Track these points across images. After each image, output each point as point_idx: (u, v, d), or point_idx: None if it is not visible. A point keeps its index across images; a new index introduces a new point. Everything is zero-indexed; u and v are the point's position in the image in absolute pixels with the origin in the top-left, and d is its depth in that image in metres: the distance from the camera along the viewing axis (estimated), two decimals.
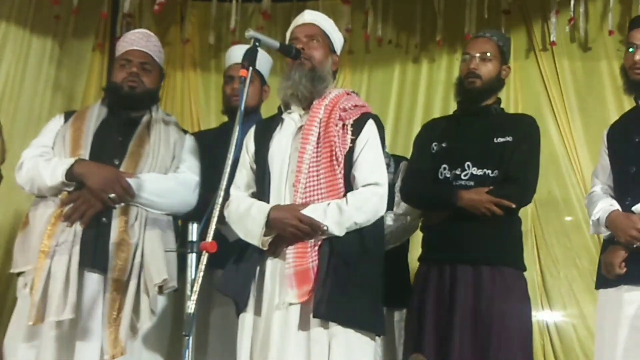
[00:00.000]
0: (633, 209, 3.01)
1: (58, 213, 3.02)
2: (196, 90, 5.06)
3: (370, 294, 2.72)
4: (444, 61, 4.80)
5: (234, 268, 2.78)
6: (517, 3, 4.62)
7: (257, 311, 2.73)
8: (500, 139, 3.22)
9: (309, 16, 2.98)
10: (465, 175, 3.21)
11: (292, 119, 2.87)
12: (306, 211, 2.65)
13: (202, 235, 2.44)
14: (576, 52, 4.56)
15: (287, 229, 2.66)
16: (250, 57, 2.61)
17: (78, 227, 3.00)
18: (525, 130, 3.28)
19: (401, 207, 3.53)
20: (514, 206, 3.18)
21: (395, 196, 3.54)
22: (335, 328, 2.62)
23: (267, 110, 3.67)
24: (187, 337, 2.37)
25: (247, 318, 2.76)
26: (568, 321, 4.33)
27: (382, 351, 3.50)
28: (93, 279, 3.00)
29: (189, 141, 3.36)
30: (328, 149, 2.73)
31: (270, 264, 2.74)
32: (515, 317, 3.12)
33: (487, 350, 3.04)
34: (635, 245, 2.98)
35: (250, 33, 2.67)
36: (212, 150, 3.44)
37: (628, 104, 4.17)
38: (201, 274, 2.34)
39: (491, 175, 3.18)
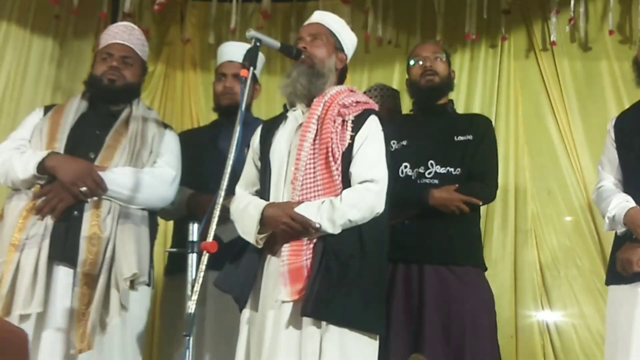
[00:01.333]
0: None
1: (30, 206, 3.01)
2: (196, 90, 5.05)
3: (367, 293, 2.69)
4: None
5: (234, 266, 2.79)
6: (517, 3, 4.62)
7: (255, 308, 2.74)
8: (461, 137, 3.32)
9: (316, 16, 2.99)
10: (429, 174, 3.27)
11: (295, 116, 2.88)
12: (300, 208, 2.64)
13: (203, 235, 2.45)
14: (576, 52, 4.56)
15: (280, 227, 2.66)
16: (251, 57, 2.62)
17: (49, 221, 2.99)
18: (485, 129, 3.40)
19: None
20: (481, 203, 3.31)
21: None
22: (327, 327, 2.61)
23: (269, 108, 3.69)
24: (187, 337, 2.37)
25: (245, 314, 2.77)
26: (568, 321, 4.32)
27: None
28: (63, 273, 2.98)
29: (169, 136, 3.32)
30: (324, 146, 2.72)
31: (268, 261, 2.75)
32: (484, 314, 3.20)
33: (459, 347, 3.09)
34: None
35: (251, 33, 2.67)
36: (201, 148, 3.45)
37: (628, 104, 4.17)
38: (202, 274, 2.34)
39: (454, 173, 3.27)
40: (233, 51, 3.55)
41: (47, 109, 3.29)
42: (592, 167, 4.33)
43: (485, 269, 3.36)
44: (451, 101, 3.50)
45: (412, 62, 3.46)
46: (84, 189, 3.00)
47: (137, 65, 3.31)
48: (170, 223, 4.76)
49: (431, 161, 3.29)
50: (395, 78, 4.81)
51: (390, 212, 3.30)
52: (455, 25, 4.65)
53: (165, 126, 3.38)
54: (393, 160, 3.24)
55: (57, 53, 4.67)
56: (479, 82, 4.68)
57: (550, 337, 4.34)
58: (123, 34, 3.30)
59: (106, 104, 3.25)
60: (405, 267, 3.23)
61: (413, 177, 3.29)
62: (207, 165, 3.42)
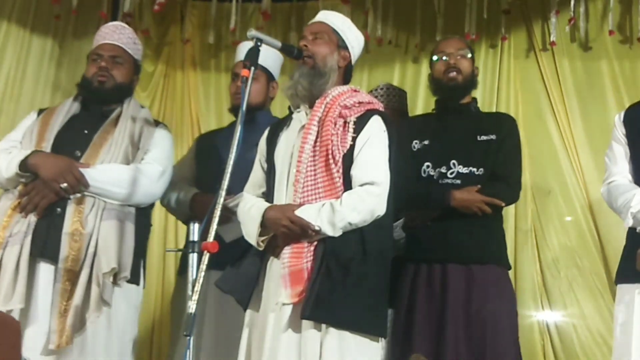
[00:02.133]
0: None
1: (15, 205, 3.04)
2: (196, 90, 5.05)
3: (369, 296, 2.67)
4: None
5: (236, 267, 2.79)
6: (517, 3, 4.62)
7: (257, 309, 2.74)
8: (484, 137, 3.25)
9: (320, 15, 2.97)
10: (451, 174, 3.22)
11: (299, 118, 2.86)
12: (300, 211, 2.64)
13: (204, 235, 2.45)
14: (576, 52, 4.56)
15: (279, 229, 2.66)
16: (252, 57, 2.61)
17: (32, 218, 3.01)
18: (508, 129, 3.32)
19: None
20: (504, 205, 3.23)
21: None
22: (327, 329, 2.60)
23: (274, 109, 3.69)
24: (187, 337, 2.36)
25: (247, 316, 2.78)
26: (568, 321, 4.32)
27: (385, 353, 3.44)
28: (45, 269, 3.00)
29: (159, 133, 3.31)
30: (324, 149, 2.71)
31: (270, 263, 2.74)
32: (505, 314, 3.15)
33: (482, 347, 3.05)
34: None
35: (252, 33, 2.67)
36: (216, 149, 3.45)
37: (629, 102, 4.18)
38: (202, 273, 2.34)
39: (477, 173, 3.21)
40: (244, 51, 3.52)
41: (40, 112, 3.32)
42: (593, 167, 4.33)
43: (510, 268, 3.31)
44: (475, 99, 3.42)
45: (435, 58, 3.37)
46: (64, 185, 3.02)
47: (127, 64, 3.30)
48: (170, 223, 4.80)
49: (453, 161, 3.23)
50: (395, 78, 4.81)
51: (412, 213, 3.32)
52: (455, 25, 4.64)
53: (157, 123, 3.38)
54: (415, 159, 3.26)
55: (56, 53, 4.67)
56: (479, 82, 4.65)
57: (551, 337, 4.34)
58: (113, 33, 3.30)
59: (97, 105, 3.26)
60: (427, 267, 3.18)
61: (435, 177, 3.23)
62: (216, 166, 3.43)
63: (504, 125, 3.34)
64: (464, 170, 3.22)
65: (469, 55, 3.37)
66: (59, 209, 3.04)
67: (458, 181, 3.20)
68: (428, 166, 3.25)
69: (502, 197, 3.20)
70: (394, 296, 3.34)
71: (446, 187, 3.19)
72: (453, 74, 3.29)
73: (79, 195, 3.05)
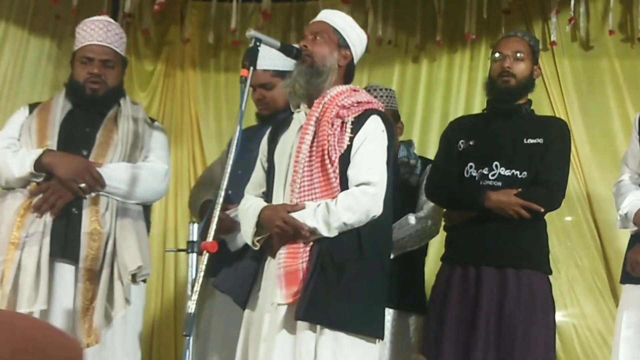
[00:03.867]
0: None
1: (27, 204, 3.01)
2: (196, 90, 5.05)
3: (365, 297, 2.66)
4: (444, 61, 4.79)
5: (234, 267, 2.79)
6: (517, 3, 4.61)
7: (254, 309, 2.75)
8: (531, 141, 3.17)
9: (320, 15, 2.95)
10: (492, 175, 3.15)
11: (299, 118, 2.85)
12: (297, 212, 2.64)
13: (203, 235, 2.45)
14: (577, 51, 4.55)
15: (273, 230, 2.66)
16: (251, 57, 2.61)
17: (48, 218, 3.00)
18: (557, 133, 3.22)
19: (424, 209, 3.44)
20: (542, 210, 3.13)
21: (419, 198, 3.47)
22: (322, 330, 2.59)
23: None
24: (187, 337, 2.36)
25: (245, 315, 2.78)
26: (569, 321, 4.32)
27: (390, 356, 3.39)
28: (65, 270, 3.00)
29: (158, 131, 3.32)
30: (320, 149, 2.69)
31: (268, 263, 2.74)
32: (539, 321, 3.08)
33: (510, 354, 3.00)
34: None
35: (251, 33, 2.67)
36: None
37: (630, 103, 4.17)
38: (201, 274, 2.34)
39: (519, 176, 3.13)
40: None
41: (31, 107, 3.28)
42: (593, 167, 4.33)
43: (550, 272, 3.22)
44: (529, 101, 3.31)
45: (495, 56, 3.26)
46: (83, 185, 3.01)
47: (118, 66, 3.26)
48: (170, 223, 4.80)
49: (496, 162, 3.14)
50: (395, 78, 4.81)
51: (450, 213, 3.29)
52: (455, 25, 4.64)
53: (153, 121, 3.38)
54: (460, 159, 3.22)
55: (55, 53, 4.66)
56: (479, 82, 4.65)
57: None
58: (100, 31, 3.21)
59: (91, 108, 3.24)
60: (462, 269, 3.14)
61: (477, 178, 3.17)
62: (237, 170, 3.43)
63: (553, 129, 3.24)
64: (506, 172, 3.13)
65: (528, 56, 3.24)
66: (74, 210, 3.03)
67: (499, 183, 3.12)
68: (471, 167, 3.19)
69: (541, 202, 3.10)
70: (421, 300, 3.35)
71: (486, 188, 3.12)
72: (506, 77, 3.19)
73: (94, 194, 3.05)
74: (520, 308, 3.04)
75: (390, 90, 3.82)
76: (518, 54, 3.21)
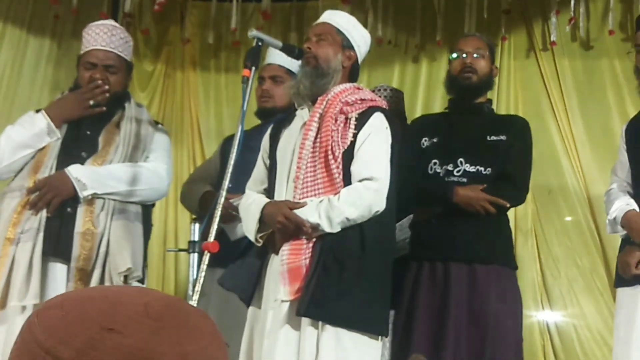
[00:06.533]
0: None
1: (24, 201, 3.02)
2: (196, 90, 5.05)
3: (367, 293, 2.67)
4: (443, 61, 4.77)
5: (238, 264, 2.79)
6: (517, 3, 4.62)
7: (259, 305, 2.75)
8: (494, 137, 3.23)
9: (324, 15, 2.96)
10: (457, 172, 3.19)
11: (301, 115, 2.86)
12: (300, 207, 2.64)
13: (204, 235, 2.45)
14: (577, 51, 4.55)
15: (275, 226, 2.66)
16: (253, 57, 2.61)
17: (43, 215, 3.00)
18: (519, 131, 3.30)
19: None
20: (508, 205, 3.20)
21: None
22: (325, 326, 2.60)
23: None
24: None
25: (249, 312, 2.79)
26: (569, 321, 4.32)
27: (390, 354, 3.41)
28: (57, 269, 3.00)
29: (160, 134, 3.32)
30: (324, 145, 2.70)
31: (271, 260, 2.75)
32: (509, 316, 3.12)
33: (481, 348, 3.04)
34: None
35: (253, 33, 2.67)
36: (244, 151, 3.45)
37: (630, 103, 4.17)
38: (203, 273, 2.34)
39: (484, 172, 3.18)
40: (272, 54, 3.44)
41: (38, 111, 3.29)
42: (593, 167, 4.33)
43: (516, 268, 3.27)
44: (489, 100, 3.40)
45: (453, 56, 3.33)
46: (92, 102, 3.07)
47: (122, 70, 3.25)
48: (170, 223, 4.80)
49: (461, 159, 3.19)
50: (395, 78, 4.81)
51: (416, 210, 3.30)
52: (455, 25, 4.64)
53: (157, 124, 3.39)
54: (423, 156, 3.24)
55: (55, 53, 4.66)
56: None
57: (551, 337, 4.34)
58: (104, 35, 3.22)
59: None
60: (430, 265, 3.16)
61: (441, 175, 3.21)
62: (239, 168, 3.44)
63: (515, 126, 3.32)
64: (471, 168, 3.19)
65: (487, 55, 3.32)
66: (69, 209, 3.03)
67: (464, 179, 3.17)
68: (435, 163, 3.23)
69: (507, 197, 3.17)
70: (397, 294, 3.35)
71: (452, 184, 3.17)
72: (468, 74, 3.26)
73: (89, 197, 3.05)
74: (490, 304, 3.08)
75: (399, 91, 3.84)
76: (478, 51, 3.29)
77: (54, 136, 3.10)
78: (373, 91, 3.59)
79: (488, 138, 3.23)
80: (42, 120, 3.10)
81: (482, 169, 3.19)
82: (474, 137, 3.25)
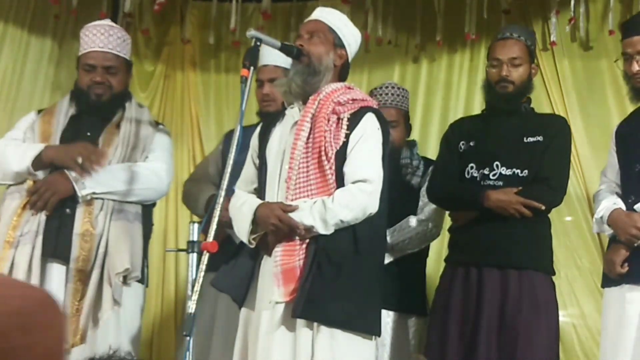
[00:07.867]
0: (635, 207, 3.00)
1: (24, 203, 3.04)
2: (196, 90, 5.05)
3: (361, 295, 2.67)
4: (444, 61, 4.79)
5: (230, 265, 2.79)
6: (517, 3, 4.61)
7: (253, 307, 2.75)
8: (531, 139, 3.16)
9: (316, 13, 2.95)
10: (494, 175, 3.14)
11: (292, 114, 2.85)
12: (292, 210, 2.64)
13: (205, 230, 2.45)
14: (577, 52, 4.55)
15: (268, 228, 2.66)
16: (251, 57, 2.61)
17: (42, 217, 3.02)
18: (557, 131, 3.22)
19: (425, 212, 3.44)
20: (543, 208, 3.11)
21: (420, 201, 3.46)
22: (319, 328, 2.60)
23: None
24: (187, 338, 2.36)
25: (243, 314, 2.78)
26: (569, 321, 4.32)
27: (390, 357, 3.39)
28: (56, 270, 3.03)
29: (160, 134, 3.33)
30: (317, 145, 2.70)
31: (264, 261, 2.75)
32: (541, 323, 3.07)
33: (513, 356, 2.99)
34: (636, 244, 2.97)
35: (252, 32, 2.67)
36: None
37: (629, 103, 4.16)
38: (202, 274, 2.34)
39: (520, 175, 3.12)
40: (266, 54, 3.38)
41: (39, 112, 3.33)
42: (594, 167, 4.32)
43: (553, 273, 3.23)
44: (528, 99, 3.30)
45: (491, 63, 3.24)
46: (80, 159, 3.01)
47: (121, 70, 3.27)
48: (171, 223, 4.80)
49: (496, 162, 3.13)
50: (395, 78, 4.80)
51: (450, 215, 3.31)
52: (455, 25, 4.64)
53: (157, 124, 3.40)
54: (461, 161, 3.22)
55: (55, 53, 4.67)
56: (479, 82, 4.64)
57: None
58: (102, 36, 3.22)
59: (95, 114, 3.25)
60: (464, 271, 3.13)
61: (478, 179, 3.16)
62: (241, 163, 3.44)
63: (553, 126, 3.24)
64: (507, 171, 3.12)
65: (525, 60, 3.21)
66: (68, 210, 3.05)
67: (500, 183, 3.11)
68: (472, 167, 3.19)
69: (542, 199, 3.08)
70: (421, 302, 3.35)
71: (487, 188, 3.11)
72: (504, 84, 3.18)
73: (88, 196, 3.05)
74: (521, 310, 3.02)
75: (405, 90, 3.80)
76: (514, 61, 3.19)
77: (33, 177, 3.09)
78: (380, 88, 3.60)
79: (525, 139, 3.17)
80: (28, 159, 3.07)
81: (519, 171, 3.12)
82: (510, 139, 3.19)
